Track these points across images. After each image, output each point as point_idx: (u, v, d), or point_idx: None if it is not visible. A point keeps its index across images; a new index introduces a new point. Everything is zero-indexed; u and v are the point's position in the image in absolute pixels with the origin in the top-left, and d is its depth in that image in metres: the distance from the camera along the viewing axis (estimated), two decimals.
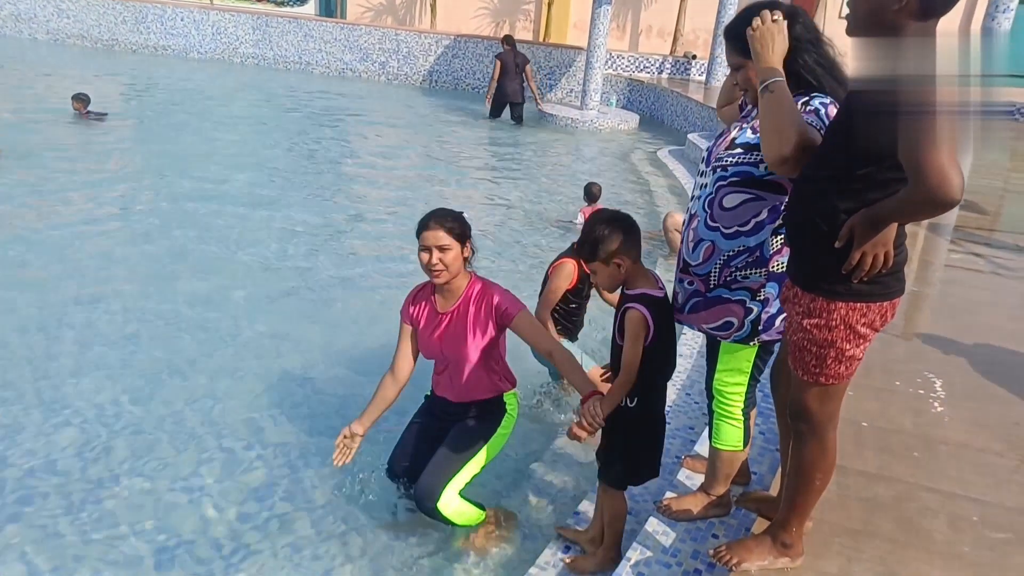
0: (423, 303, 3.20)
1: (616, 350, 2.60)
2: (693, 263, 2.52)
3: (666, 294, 2.59)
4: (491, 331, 3.09)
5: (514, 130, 12.51)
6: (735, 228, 2.42)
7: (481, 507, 3.24)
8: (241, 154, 9.64)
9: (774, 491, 2.76)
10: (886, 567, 2.32)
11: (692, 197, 2.60)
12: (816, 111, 2.26)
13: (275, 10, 15.71)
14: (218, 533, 3.25)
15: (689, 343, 4.69)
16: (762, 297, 2.44)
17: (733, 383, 2.60)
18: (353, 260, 6.47)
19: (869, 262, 1.86)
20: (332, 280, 5.98)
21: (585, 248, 2.54)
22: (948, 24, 1.83)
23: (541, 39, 18.24)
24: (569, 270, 4.07)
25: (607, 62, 13.94)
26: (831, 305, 1.94)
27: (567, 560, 2.95)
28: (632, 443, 2.69)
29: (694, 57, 16.18)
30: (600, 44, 13.05)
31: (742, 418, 2.65)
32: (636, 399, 2.59)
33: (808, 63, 2.32)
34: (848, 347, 1.96)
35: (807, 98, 2.31)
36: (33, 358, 4.51)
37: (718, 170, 2.44)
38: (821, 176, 1.96)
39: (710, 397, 2.70)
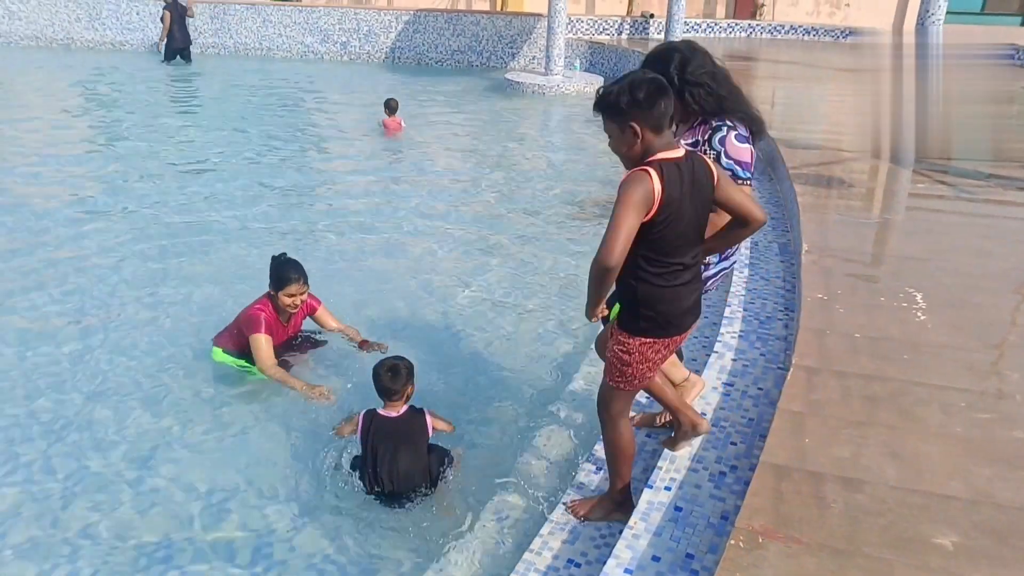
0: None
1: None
2: None
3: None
4: None
5: (486, 99, 12.65)
6: None
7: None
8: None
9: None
10: (891, 449, 2.63)
11: None
12: (717, 154, 2.75)
13: None
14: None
15: None
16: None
17: None
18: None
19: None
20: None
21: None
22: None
23: (499, 8, 18.31)
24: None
25: (567, 26, 14.06)
26: (632, 339, 2.51)
27: (566, 502, 2.97)
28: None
29: (651, 16, 16.39)
30: (561, 9, 13.20)
31: None
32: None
33: (701, 100, 2.77)
34: (642, 368, 2.55)
35: (711, 131, 2.80)
36: None
37: None
38: None
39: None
